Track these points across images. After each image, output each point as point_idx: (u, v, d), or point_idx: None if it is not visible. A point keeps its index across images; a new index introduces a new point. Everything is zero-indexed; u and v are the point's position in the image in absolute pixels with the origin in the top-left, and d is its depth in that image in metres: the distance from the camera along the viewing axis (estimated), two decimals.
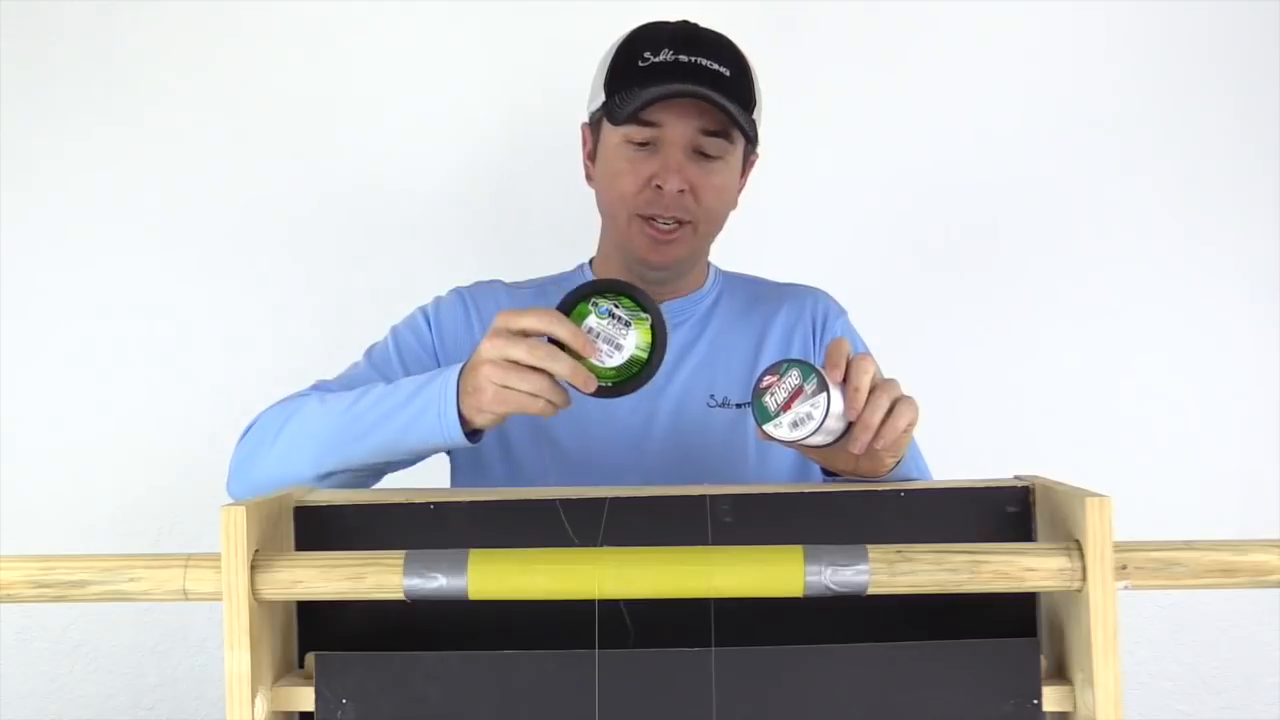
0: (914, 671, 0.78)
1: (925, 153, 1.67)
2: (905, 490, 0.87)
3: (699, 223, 1.14)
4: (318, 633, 0.84)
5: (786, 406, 0.84)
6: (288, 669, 0.83)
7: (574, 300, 0.89)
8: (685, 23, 1.16)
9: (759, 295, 1.27)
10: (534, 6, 1.64)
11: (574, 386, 0.88)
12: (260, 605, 0.77)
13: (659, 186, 1.11)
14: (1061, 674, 0.80)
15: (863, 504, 0.86)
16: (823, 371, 0.84)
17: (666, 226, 1.13)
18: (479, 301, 1.21)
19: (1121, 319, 1.66)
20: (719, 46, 1.13)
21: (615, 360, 0.88)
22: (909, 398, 0.88)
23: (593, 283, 0.91)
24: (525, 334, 0.88)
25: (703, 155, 1.12)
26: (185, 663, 1.61)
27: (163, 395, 1.62)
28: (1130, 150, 1.67)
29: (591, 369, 0.88)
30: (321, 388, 1.13)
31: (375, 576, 0.75)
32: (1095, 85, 1.67)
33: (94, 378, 1.62)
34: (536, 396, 0.87)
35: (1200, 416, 1.65)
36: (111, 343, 1.63)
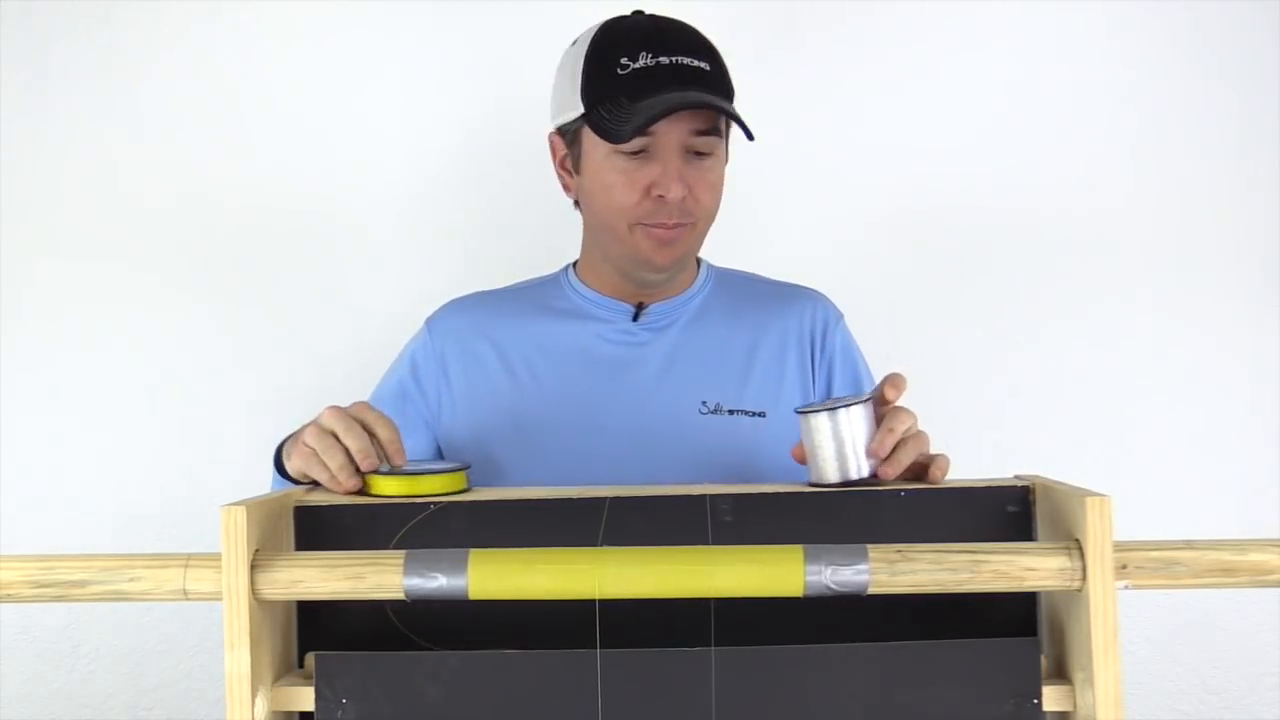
0: (914, 671, 0.78)
1: (927, 153, 1.66)
2: (905, 490, 0.87)
3: (698, 221, 1.13)
4: (318, 633, 0.84)
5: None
6: (288, 669, 0.83)
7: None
8: (645, 16, 1.12)
9: (753, 295, 1.24)
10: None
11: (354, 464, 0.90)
12: (260, 605, 0.77)
13: (660, 196, 1.09)
14: (1061, 674, 0.80)
15: (863, 504, 0.86)
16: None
17: (669, 227, 1.11)
18: (447, 333, 1.21)
19: (1122, 319, 1.66)
20: (690, 38, 1.10)
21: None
22: (941, 454, 0.90)
23: None
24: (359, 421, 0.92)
25: (695, 154, 1.10)
26: (185, 663, 1.61)
27: (163, 395, 1.62)
28: (1131, 151, 1.67)
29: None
30: None
31: (375, 576, 0.76)
32: (1098, 87, 1.67)
33: (94, 377, 1.62)
34: (326, 468, 0.90)
35: (1200, 416, 1.65)
36: (112, 342, 1.63)
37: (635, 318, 1.19)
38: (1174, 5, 1.67)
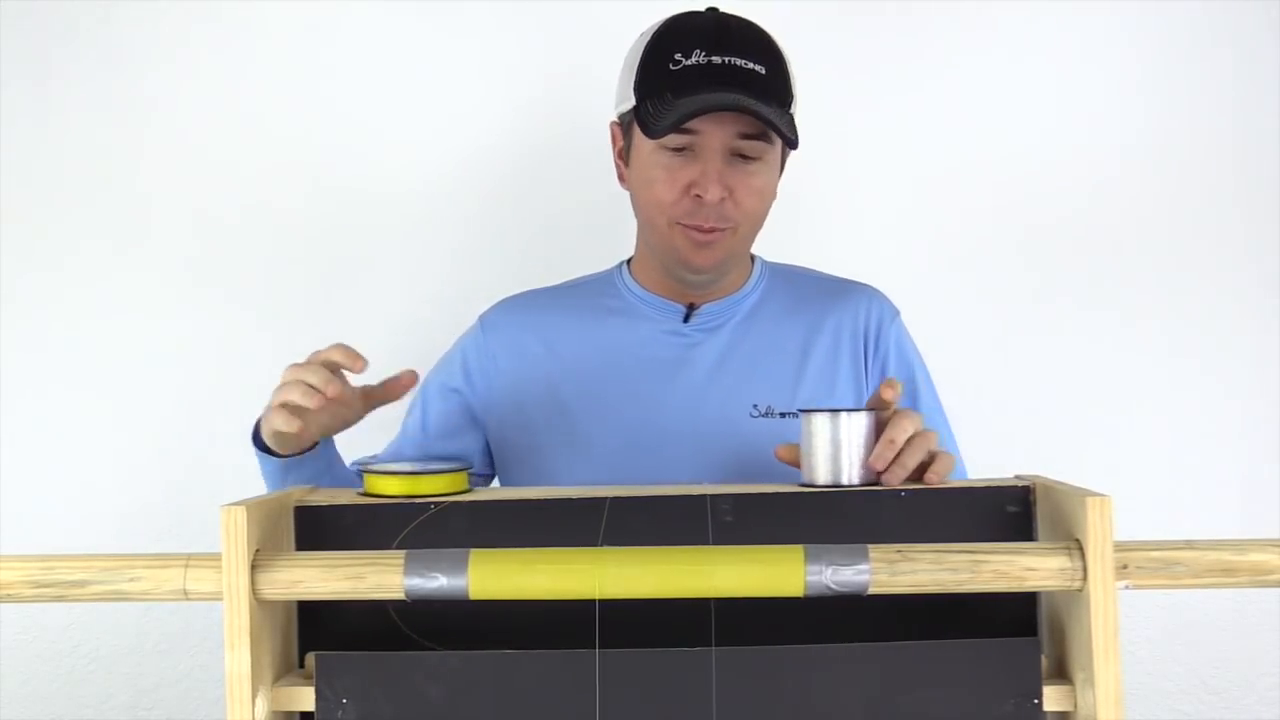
0: (914, 671, 0.78)
1: (931, 154, 1.66)
2: (905, 490, 0.87)
3: (740, 225, 1.11)
4: (318, 633, 0.84)
5: None
6: (288, 669, 0.83)
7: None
8: (715, 13, 1.12)
9: (808, 293, 1.22)
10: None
11: (345, 366, 0.95)
12: (260, 605, 0.77)
13: (698, 195, 1.08)
14: (1062, 674, 0.80)
15: (863, 504, 0.86)
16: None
17: (707, 230, 1.10)
18: (500, 329, 1.22)
19: (1122, 319, 1.66)
20: (752, 40, 1.09)
21: None
22: (945, 453, 0.89)
23: None
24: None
25: (741, 157, 1.09)
26: (185, 663, 1.61)
27: (163, 395, 1.62)
28: (1130, 151, 1.67)
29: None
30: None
31: (375, 576, 0.75)
32: (1102, 88, 1.67)
33: (94, 377, 1.62)
34: (296, 384, 0.94)
35: (1200, 417, 1.65)
36: (112, 342, 1.63)
37: (687, 318, 1.19)
38: (1184, 5, 1.67)
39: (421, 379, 1.21)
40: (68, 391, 1.62)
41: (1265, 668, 1.65)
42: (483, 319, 1.24)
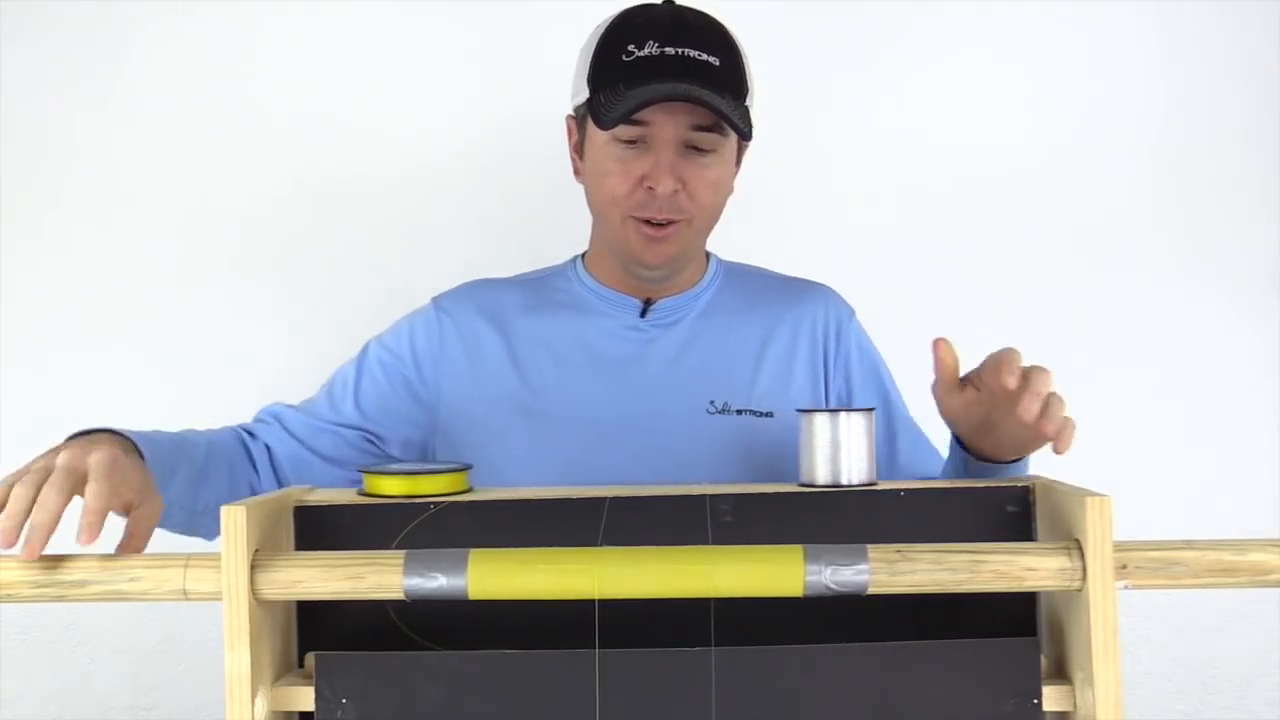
0: (914, 671, 0.78)
1: (930, 153, 1.66)
2: (905, 490, 0.87)
3: (694, 219, 1.11)
4: (318, 633, 0.84)
5: None
6: (287, 669, 0.83)
7: None
8: (670, 5, 1.11)
9: (763, 291, 1.23)
10: None
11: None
12: (260, 605, 0.77)
13: (650, 188, 1.08)
14: (1061, 673, 0.80)
15: (863, 504, 0.86)
16: None
17: (661, 224, 1.10)
18: (456, 316, 1.19)
19: (1121, 318, 1.66)
20: (706, 32, 1.08)
21: None
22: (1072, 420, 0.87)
23: None
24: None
25: (695, 150, 1.08)
26: (185, 663, 1.61)
27: (162, 395, 1.62)
28: (1130, 152, 1.67)
29: None
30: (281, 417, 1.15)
31: (375, 576, 0.75)
32: (1100, 89, 1.67)
33: (93, 377, 1.62)
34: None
35: (1200, 416, 1.65)
36: (111, 342, 1.63)
37: (643, 314, 1.18)
38: (1181, 4, 1.67)
39: (356, 354, 1.19)
40: (67, 391, 1.62)
41: (1265, 668, 1.65)
42: (437, 302, 1.22)
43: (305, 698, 0.79)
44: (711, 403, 1.14)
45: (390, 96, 1.65)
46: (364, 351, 1.20)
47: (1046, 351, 1.64)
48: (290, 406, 1.17)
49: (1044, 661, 0.79)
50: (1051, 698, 0.78)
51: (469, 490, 0.90)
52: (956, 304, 1.66)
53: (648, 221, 1.10)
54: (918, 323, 1.65)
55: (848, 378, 1.20)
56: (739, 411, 1.14)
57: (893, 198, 1.67)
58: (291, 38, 1.65)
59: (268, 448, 1.13)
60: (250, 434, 1.13)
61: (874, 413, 0.90)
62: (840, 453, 0.88)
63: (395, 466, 0.90)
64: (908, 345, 1.56)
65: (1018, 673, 0.77)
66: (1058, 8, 1.67)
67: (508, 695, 0.78)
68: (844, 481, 0.88)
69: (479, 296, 1.21)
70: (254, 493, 1.09)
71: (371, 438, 1.16)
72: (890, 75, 1.67)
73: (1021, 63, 1.67)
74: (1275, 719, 1.64)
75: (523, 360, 1.16)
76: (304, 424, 1.15)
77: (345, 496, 0.88)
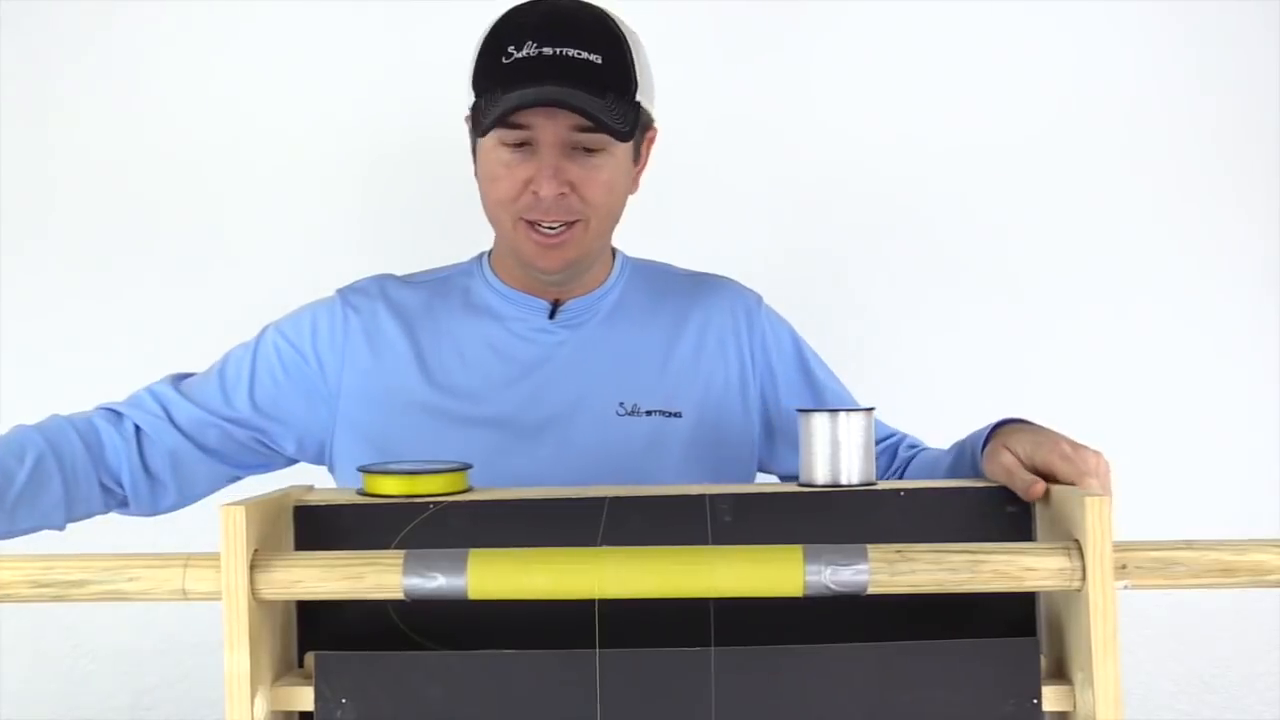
0: (914, 671, 0.78)
1: (927, 150, 1.66)
2: (905, 490, 0.87)
3: (590, 220, 1.08)
4: (318, 633, 0.84)
5: None
6: (287, 669, 0.83)
7: None
8: (550, 2, 1.07)
9: (667, 288, 1.20)
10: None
11: None
12: (260, 605, 0.77)
13: (535, 192, 1.05)
14: (1061, 674, 0.80)
15: (862, 504, 0.86)
16: None
17: (552, 230, 1.07)
18: (362, 312, 1.15)
19: (1121, 318, 1.66)
20: (587, 28, 1.05)
21: None
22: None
23: None
24: None
25: (584, 150, 1.05)
26: (185, 663, 1.61)
27: None
28: (1129, 148, 1.67)
29: None
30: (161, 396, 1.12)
31: (375, 576, 0.75)
32: (1094, 83, 1.67)
33: (92, 377, 1.61)
34: None
35: (1200, 416, 1.65)
36: (109, 341, 1.63)
37: (552, 315, 1.16)
38: (1181, 4, 1.67)
39: (253, 338, 1.16)
40: (66, 390, 1.62)
41: (1265, 668, 1.65)
42: (343, 295, 1.18)
43: (305, 698, 0.79)
44: (621, 404, 1.13)
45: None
46: (261, 338, 1.16)
47: (1046, 351, 1.66)
48: (177, 388, 1.13)
49: (1044, 661, 0.79)
50: (1051, 698, 0.78)
51: (469, 490, 0.90)
52: (956, 304, 1.66)
53: (537, 227, 1.07)
54: (917, 323, 1.65)
55: (769, 364, 1.19)
56: (648, 413, 1.12)
57: (891, 197, 1.66)
58: (291, 38, 1.65)
59: (138, 431, 1.09)
60: (117, 415, 1.10)
61: (873, 412, 0.90)
62: (839, 452, 0.88)
63: (395, 466, 0.90)
64: (908, 345, 1.57)
65: (1017, 673, 0.77)
66: (1058, 8, 1.67)
67: (508, 695, 0.78)
68: (843, 481, 0.88)
69: (386, 294, 1.17)
70: (105, 493, 1.07)
71: (262, 437, 1.13)
72: (882, 73, 1.67)
73: (1021, 62, 1.67)
74: (1275, 719, 1.64)
75: (429, 361, 1.14)
76: (192, 417, 1.11)
77: (345, 496, 0.88)
